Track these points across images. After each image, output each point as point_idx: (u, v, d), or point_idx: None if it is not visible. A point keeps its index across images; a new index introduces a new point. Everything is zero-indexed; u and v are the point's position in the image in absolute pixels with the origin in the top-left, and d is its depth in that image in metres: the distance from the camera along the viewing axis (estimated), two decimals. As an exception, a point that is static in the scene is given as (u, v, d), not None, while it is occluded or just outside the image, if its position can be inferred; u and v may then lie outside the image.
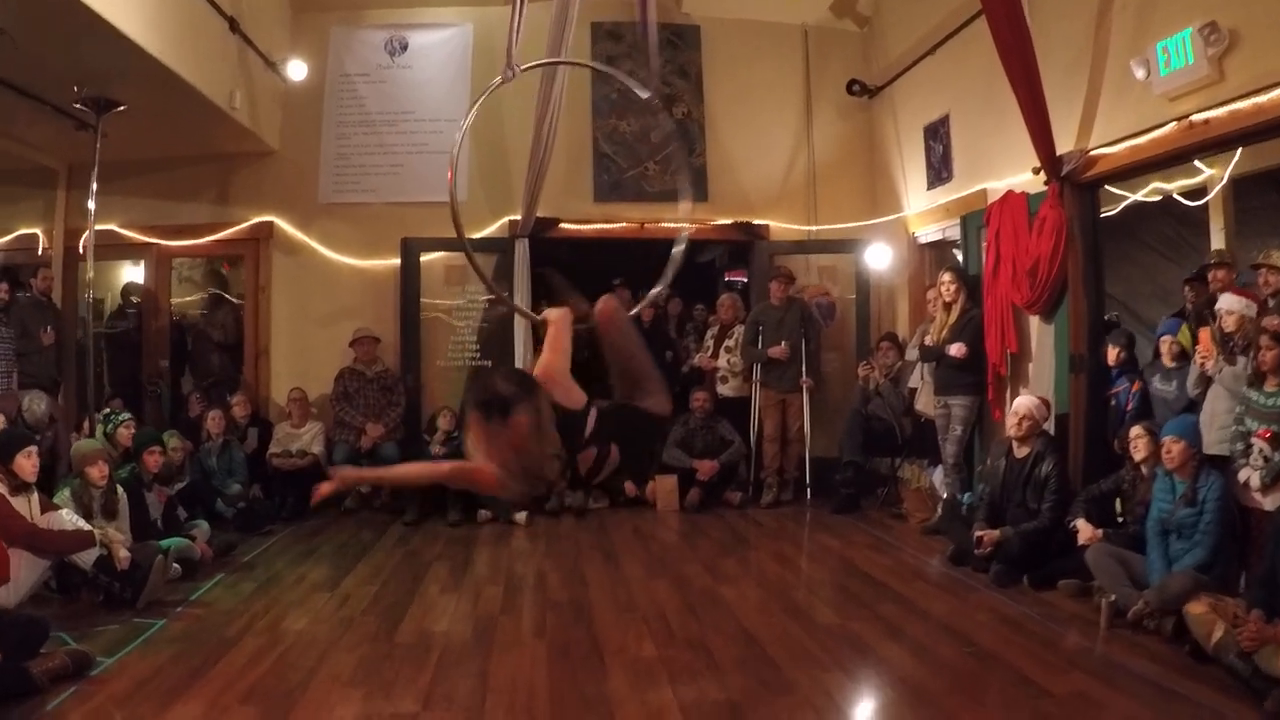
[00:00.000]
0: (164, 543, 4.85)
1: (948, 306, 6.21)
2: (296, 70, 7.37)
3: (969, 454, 6.23)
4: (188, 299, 8.87)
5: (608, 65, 6.52)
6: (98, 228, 6.18)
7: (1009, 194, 5.81)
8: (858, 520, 6.62)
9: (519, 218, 7.46)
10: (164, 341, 7.93)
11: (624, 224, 7.87)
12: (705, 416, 7.22)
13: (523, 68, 3.85)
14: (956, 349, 6.00)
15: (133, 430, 5.78)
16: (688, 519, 6.80)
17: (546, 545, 6.07)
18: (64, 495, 4.65)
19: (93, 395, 6.14)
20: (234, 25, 6.36)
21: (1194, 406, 4.54)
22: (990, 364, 5.97)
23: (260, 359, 7.75)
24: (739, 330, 7.56)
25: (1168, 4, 4.56)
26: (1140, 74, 4.67)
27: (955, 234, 6.86)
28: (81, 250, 6.49)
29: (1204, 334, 4.55)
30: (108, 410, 6.24)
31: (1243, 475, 4.07)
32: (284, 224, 7.77)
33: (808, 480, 7.21)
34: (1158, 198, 6.91)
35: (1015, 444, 5.20)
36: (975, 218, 6.37)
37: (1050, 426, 5.31)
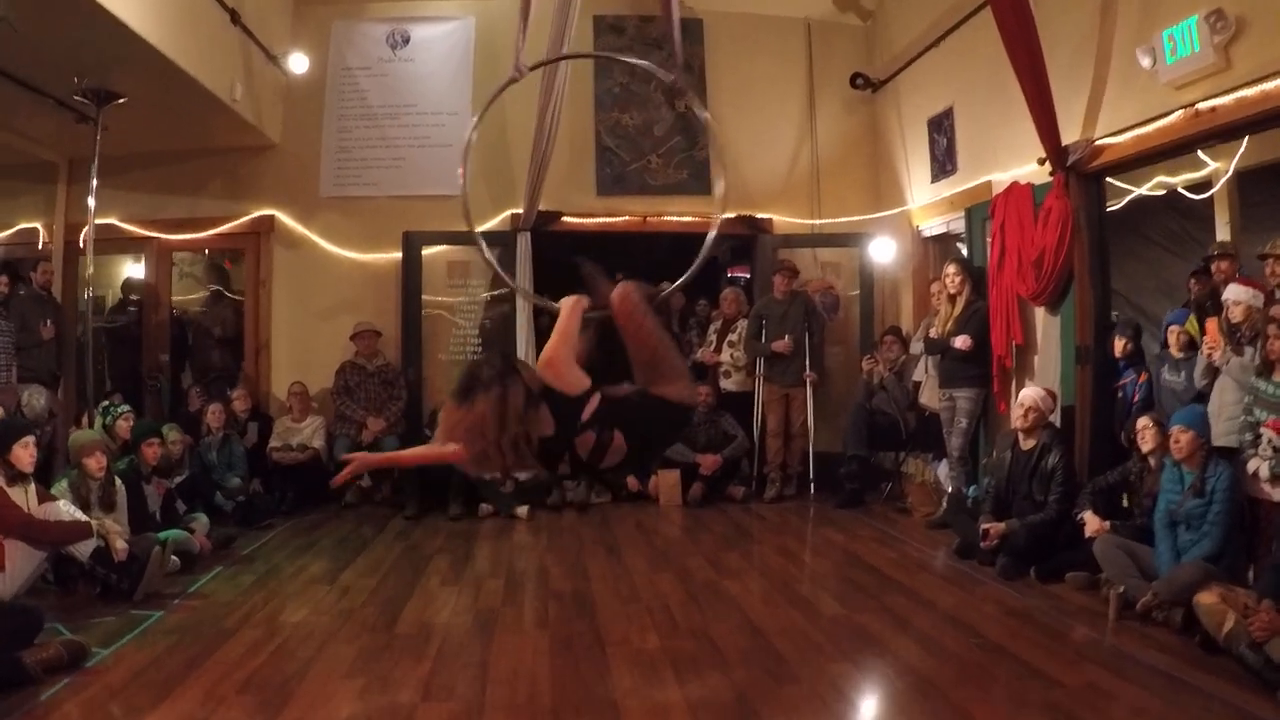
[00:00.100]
0: (162, 535, 4.81)
1: (952, 299, 6.16)
2: (298, 63, 7.35)
3: (974, 447, 6.20)
4: (190, 296, 8.85)
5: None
6: (98, 222, 6.14)
7: (1014, 185, 5.77)
8: (862, 515, 6.58)
9: (521, 211, 7.46)
10: (164, 336, 7.91)
11: (626, 217, 7.85)
12: (708, 411, 7.17)
13: (531, 66, 3.75)
14: (961, 341, 5.96)
15: (131, 422, 5.74)
16: (690, 514, 6.76)
17: (548, 539, 6.03)
18: (62, 486, 4.61)
19: (92, 390, 6.10)
20: (235, 17, 6.33)
21: (1202, 398, 4.50)
22: (995, 356, 5.92)
23: (261, 353, 7.72)
24: (742, 325, 7.52)
25: (1173, -9, 4.52)
26: (1146, 62, 4.62)
27: (960, 227, 6.81)
28: (82, 244, 6.46)
29: (1211, 324, 4.49)
30: (106, 402, 6.22)
31: (1251, 466, 4.04)
32: (285, 218, 7.74)
33: (811, 475, 7.18)
34: (1162, 192, 6.88)
35: (1021, 436, 5.16)
36: (980, 210, 6.32)
37: (1056, 418, 5.27)
